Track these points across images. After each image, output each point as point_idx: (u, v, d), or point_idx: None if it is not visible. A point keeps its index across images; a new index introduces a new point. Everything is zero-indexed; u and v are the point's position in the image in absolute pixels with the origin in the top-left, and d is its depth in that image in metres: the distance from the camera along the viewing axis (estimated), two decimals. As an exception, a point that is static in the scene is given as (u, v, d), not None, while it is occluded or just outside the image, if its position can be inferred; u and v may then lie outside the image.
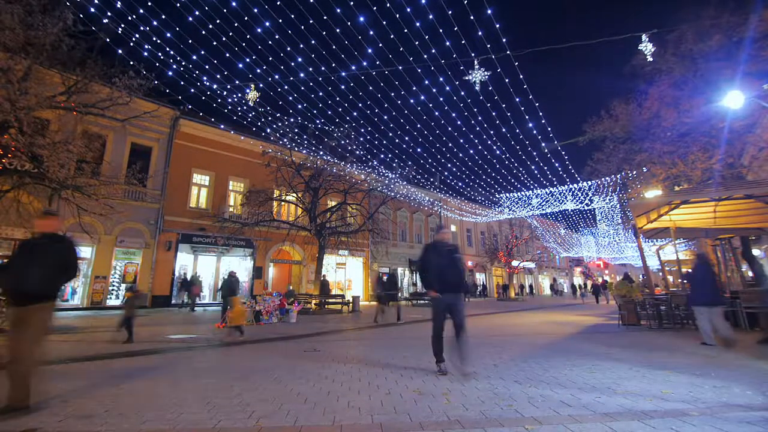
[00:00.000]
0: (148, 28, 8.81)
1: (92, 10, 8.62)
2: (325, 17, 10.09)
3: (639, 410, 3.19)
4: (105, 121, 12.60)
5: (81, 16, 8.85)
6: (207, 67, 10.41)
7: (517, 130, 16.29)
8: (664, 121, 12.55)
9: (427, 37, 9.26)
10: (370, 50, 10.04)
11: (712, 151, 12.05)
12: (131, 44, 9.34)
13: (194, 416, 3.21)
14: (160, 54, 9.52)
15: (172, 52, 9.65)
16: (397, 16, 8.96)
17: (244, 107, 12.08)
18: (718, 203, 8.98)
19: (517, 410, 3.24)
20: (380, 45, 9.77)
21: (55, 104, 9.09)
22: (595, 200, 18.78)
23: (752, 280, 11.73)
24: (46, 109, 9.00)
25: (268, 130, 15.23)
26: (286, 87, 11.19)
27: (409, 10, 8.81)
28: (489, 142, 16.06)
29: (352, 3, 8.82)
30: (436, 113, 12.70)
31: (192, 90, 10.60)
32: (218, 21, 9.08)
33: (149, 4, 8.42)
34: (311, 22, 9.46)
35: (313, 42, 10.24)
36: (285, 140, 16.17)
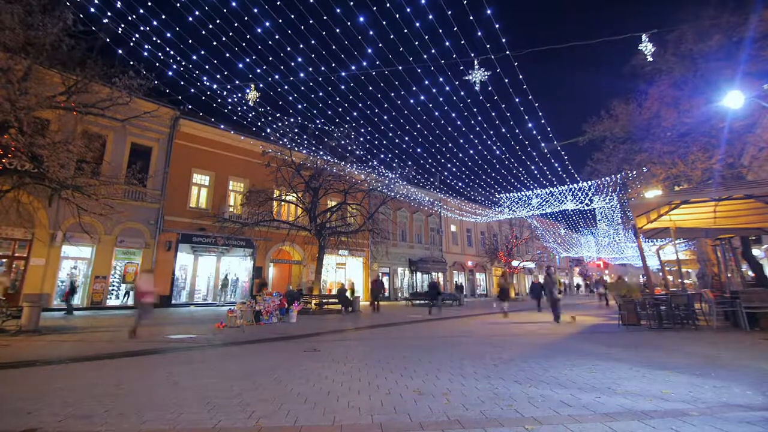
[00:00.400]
0: (148, 28, 8.82)
1: (92, 10, 8.62)
2: (325, 17, 10.10)
3: (639, 410, 3.19)
4: (105, 121, 12.59)
5: (81, 16, 8.84)
6: (207, 67, 10.42)
7: (517, 130, 16.28)
8: (664, 121, 12.54)
9: (427, 37, 9.26)
10: (370, 50, 10.05)
11: (712, 151, 12.05)
12: (131, 44, 9.34)
13: (194, 416, 3.21)
14: (160, 54, 9.52)
15: (172, 52, 9.66)
16: (397, 16, 8.96)
17: (244, 107, 12.08)
18: (718, 203, 8.98)
19: (517, 410, 3.24)
20: (380, 45, 9.78)
21: (55, 104, 9.08)
22: (595, 200, 18.78)
23: (752, 280, 11.73)
24: (46, 109, 8.99)
25: (268, 130, 15.22)
26: (286, 87, 11.19)
27: (409, 10, 8.81)
28: (489, 142, 16.06)
29: (352, 3, 8.83)
30: (436, 113, 12.72)
31: (192, 90, 10.60)
32: (218, 21, 9.08)
33: (149, 4, 8.42)
34: (311, 22, 9.46)
35: (313, 42, 10.25)
36: (285, 140, 16.17)
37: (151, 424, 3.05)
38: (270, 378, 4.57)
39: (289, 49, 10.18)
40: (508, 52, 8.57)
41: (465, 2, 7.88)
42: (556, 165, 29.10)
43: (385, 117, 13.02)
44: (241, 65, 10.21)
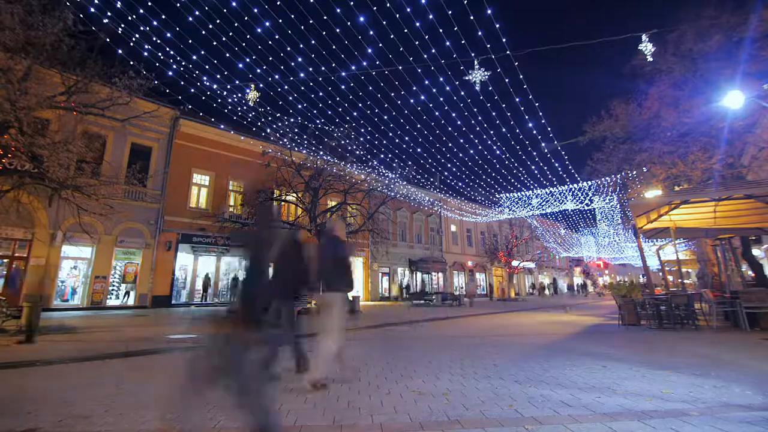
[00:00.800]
0: (148, 28, 8.82)
1: (92, 10, 8.62)
2: (325, 17, 10.10)
3: (639, 410, 3.19)
4: (105, 121, 12.58)
5: (81, 16, 8.84)
6: (207, 67, 10.42)
7: (517, 130, 16.28)
8: (664, 121, 12.55)
9: (427, 37, 9.26)
10: (370, 50, 10.05)
11: (712, 151, 12.05)
12: (131, 44, 9.34)
13: (194, 416, 3.20)
14: (160, 54, 9.52)
15: (172, 52, 9.66)
16: (397, 16, 8.95)
17: (244, 107, 12.08)
18: (718, 203, 8.98)
19: (517, 410, 3.24)
20: (380, 45, 9.78)
21: (55, 104, 9.08)
22: (595, 200, 18.77)
23: (752, 280, 11.72)
24: (46, 109, 8.99)
25: (268, 130, 15.22)
26: (286, 87, 11.19)
27: (409, 10, 8.81)
28: (489, 142, 16.06)
29: (352, 3, 8.83)
30: (436, 113, 12.71)
31: (192, 90, 10.60)
32: (218, 21, 9.08)
33: (149, 4, 8.42)
34: (311, 22, 9.46)
35: (313, 42, 10.25)
36: (285, 140, 16.17)
37: (151, 424, 3.05)
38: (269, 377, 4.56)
39: (289, 49, 10.19)
40: (508, 52, 8.57)
41: (465, 2, 7.88)
42: (556, 165, 29.11)
43: (385, 117, 13.03)
44: (241, 65, 10.20)
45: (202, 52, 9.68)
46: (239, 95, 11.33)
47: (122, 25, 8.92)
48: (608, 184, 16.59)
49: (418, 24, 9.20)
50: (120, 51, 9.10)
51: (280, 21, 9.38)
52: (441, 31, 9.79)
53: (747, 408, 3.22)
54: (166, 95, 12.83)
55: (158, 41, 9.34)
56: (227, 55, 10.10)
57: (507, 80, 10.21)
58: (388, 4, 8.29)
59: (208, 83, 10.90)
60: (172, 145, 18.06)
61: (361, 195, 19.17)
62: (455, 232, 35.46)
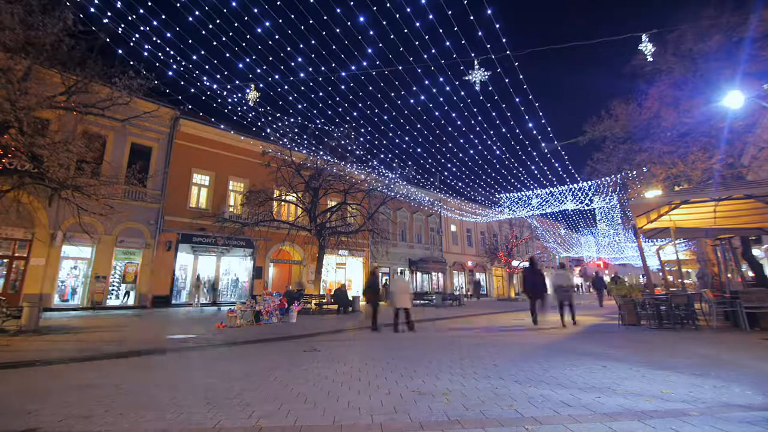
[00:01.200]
0: (148, 28, 8.82)
1: (92, 10, 8.62)
2: (325, 17, 10.10)
3: (639, 410, 3.19)
4: (105, 121, 12.59)
5: (81, 16, 8.84)
6: (207, 67, 10.42)
7: (517, 130, 16.27)
8: (664, 121, 12.54)
9: (427, 37, 9.26)
10: (370, 50, 10.05)
11: (712, 151, 12.04)
12: (131, 44, 9.34)
13: (194, 416, 3.21)
14: (160, 54, 9.52)
15: (172, 52, 9.66)
16: (397, 16, 8.95)
17: (244, 107, 12.08)
18: (718, 203, 8.97)
19: (517, 410, 3.24)
20: (380, 45, 9.78)
21: (55, 104, 9.08)
22: (595, 200, 18.77)
23: (752, 280, 11.72)
24: (46, 109, 8.99)
25: (268, 130, 15.23)
26: (286, 87, 11.19)
27: (409, 10, 8.81)
28: (489, 142, 16.06)
29: (352, 3, 8.83)
30: (436, 113, 12.71)
31: (192, 90, 10.60)
32: (218, 21, 9.08)
33: (149, 4, 8.42)
34: (311, 22, 9.46)
35: (313, 42, 10.25)
36: (285, 140, 16.17)
37: (151, 424, 3.05)
38: (270, 378, 4.57)
39: (289, 49, 10.19)
40: (508, 52, 8.57)
41: (465, 2, 7.88)
42: (556, 165, 29.09)
43: (385, 117, 13.02)
44: (241, 65, 10.21)
45: (202, 52, 9.69)
46: (239, 95, 11.34)
47: (122, 25, 8.92)
48: (608, 184, 16.59)
49: (418, 24, 9.20)
50: (120, 51, 9.12)
51: (280, 21, 9.39)
52: (441, 31, 9.80)
53: (747, 408, 3.21)
54: (166, 95, 12.83)
55: (158, 41, 9.34)
56: (227, 55, 10.11)
57: (507, 80, 10.22)
58: (388, 4, 8.29)
59: (208, 83, 10.91)
60: (172, 145, 18.06)
61: (361, 195, 19.18)
62: (455, 232, 35.45)
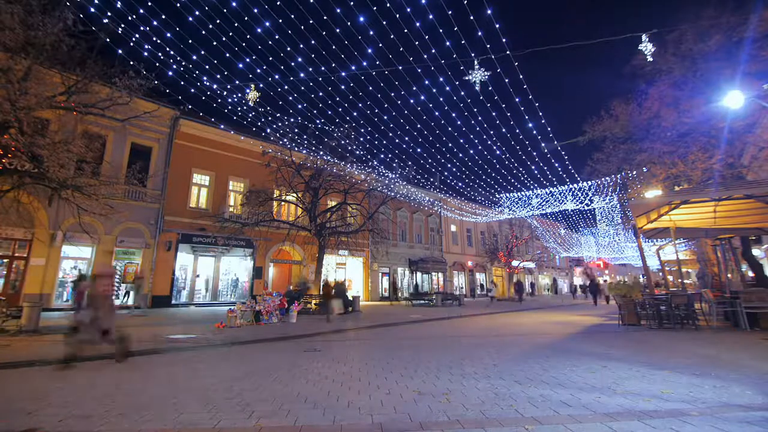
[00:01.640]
0: (148, 28, 8.81)
1: (92, 10, 8.62)
2: (325, 17, 10.10)
3: (639, 410, 3.19)
4: (105, 121, 12.58)
5: (81, 16, 8.84)
6: (207, 67, 10.41)
7: (517, 130, 16.28)
8: (664, 121, 12.54)
9: (427, 37, 9.25)
10: (370, 50, 10.04)
11: (712, 151, 12.04)
12: (131, 44, 9.34)
13: (194, 416, 3.21)
14: (160, 54, 9.52)
15: (172, 52, 9.66)
16: (397, 16, 8.95)
17: (244, 107, 12.07)
18: (718, 203, 8.98)
19: (517, 410, 3.24)
20: (380, 45, 9.77)
21: (55, 104, 9.07)
22: (595, 200, 18.76)
23: (752, 280, 11.73)
24: (46, 109, 8.98)
25: (268, 130, 15.21)
26: (286, 87, 11.19)
27: (409, 10, 8.81)
28: (489, 142, 16.06)
29: (352, 3, 8.83)
30: (436, 113, 12.69)
31: (192, 90, 10.59)
32: (218, 21, 9.08)
33: (149, 4, 8.41)
34: (311, 22, 9.46)
35: (313, 42, 10.24)
36: (285, 140, 16.16)
37: (151, 424, 3.05)
38: (270, 378, 4.57)
39: (289, 49, 10.18)
40: (508, 52, 8.57)
41: (465, 2, 7.88)
42: (556, 165, 29.05)
43: (385, 117, 13.02)
44: (241, 65, 10.20)
45: (202, 52, 9.68)
46: (239, 95, 11.33)
47: (122, 25, 8.92)
48: (608, 184, 16.58)
49: (418, 24, 9.20)
50: (120, 51, 9.11)
51: (280, 21, 9.38)
52: (441, 31, 9.80)
53: (747, 408, 3.22)
54: (166, 95, 12.81)
55: (158, 41, 9.34)
56: (227, 55, 10.11)
57: (507, 80, 10.22)
58: (388, 4, 8.29)
59: (208, 83, 10.90)
60: (172, 145, 18.05)
61: (361, 195, 19.17)
62: (455, 232, 35.44)
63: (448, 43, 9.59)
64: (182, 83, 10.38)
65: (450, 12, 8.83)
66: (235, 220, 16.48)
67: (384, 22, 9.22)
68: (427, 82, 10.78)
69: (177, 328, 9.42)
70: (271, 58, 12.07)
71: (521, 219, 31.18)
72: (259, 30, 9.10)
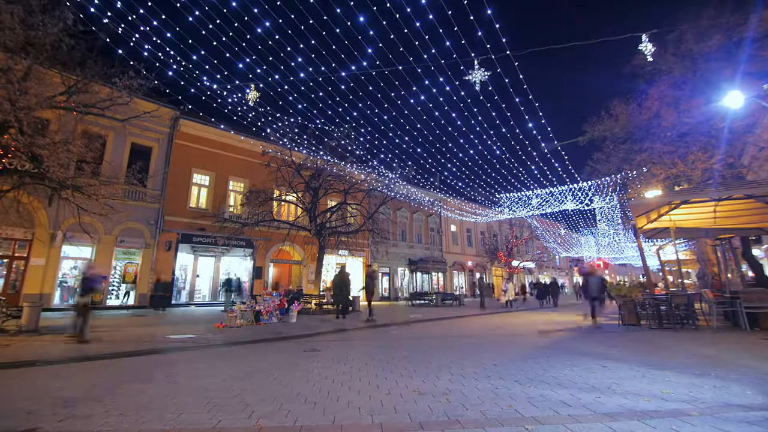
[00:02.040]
0: (148, 28, 8.81)
1: (92, 10, 8.62)
2: (325, 17, 10.10)
3: (639, 410, 3.19)
4: (105, 121, 12.58)
5: (81, 16, 8.84)
6: (207, 67, 10.41)
7: (517, 130, 16.28)
8: (664, 121, 12.54)
9: (427, 37, 9.25)
10: (370, 50, 10.04)
11: (712, 151, 12.04)
12: (131, 44, 9.33)
13: (194, 416, 3.21)
14: (160, 54, 9.52)
15: (172, 52, 9.65)
16: (397, 16, 8.95)
17: (244, 107, 12.07)
18: (718, 203, 8.98)
19: (517, 410, 3.24)
20: (380, 45, 9.77)
21: (55, 104, 9.07)
22: (595, 200, 18.77)
23: (752, 280, 11.73)
24: (46, 109, 8.98)
25: (268, 130, 15.21)
26: (286, 87, 11.19)
27: (409, 10, 8.81)
28: (489, 142, 16.06)
29: (352, 3, 8.83)
30: (436, 113, 12.70)
31: (192, 90, 10.59)
32: (218, 21, 9.07)
33: (149, 4, 8.41)
34: (311, 22, 9.46)
35: (313, 42, 10.24)
36: (285, 140, 16.16)
37: (151, 424, 3.05)
38: (270, 378, 4.57)
39: (289, 49, 10.18)
40: (508, 52, 8.57)
41: (465, 2, 7.88)
42: (556, 165, 29.06)
43: (385, 117, 13.02)
44: (241, 65, 10.20)
45: (202, 52, 9.68)
46: (239, 95, 11.33)
47: (122, 25, 8.91)
48: (608, 184, 16.58)
49: (418, 24, 9.20)
50: (120, 51, 9.10)
51: (280, 21, 9.38)
52: (441, 31, 9.80)
53: (747, 408, 3.21)
54: (166, 95, 12.82)
55: (158, 41, 9.34)
56: (227, 55, 10.11)
57: (507, 80, 10.22)
58: (388, 4, 8.29)
59: (208, 83, 10.90)
60: (172, 145, 18.05)
61: (361, 195, 19.16)
62: (455, 232, 35.44)
63: (448, 43, 9.59)
64: (182, 83, 10.39)
65: (450, 12, 8.84)
66: (235, 220, 16.48)
67: (384, 22, 9.22)
68: (427, 82, 10.79)
69: (177, 328, 9.42)
70: (271, 58, 12.07)
71: (521, 219, 31.17)
72: (259, 30, 9.10)
